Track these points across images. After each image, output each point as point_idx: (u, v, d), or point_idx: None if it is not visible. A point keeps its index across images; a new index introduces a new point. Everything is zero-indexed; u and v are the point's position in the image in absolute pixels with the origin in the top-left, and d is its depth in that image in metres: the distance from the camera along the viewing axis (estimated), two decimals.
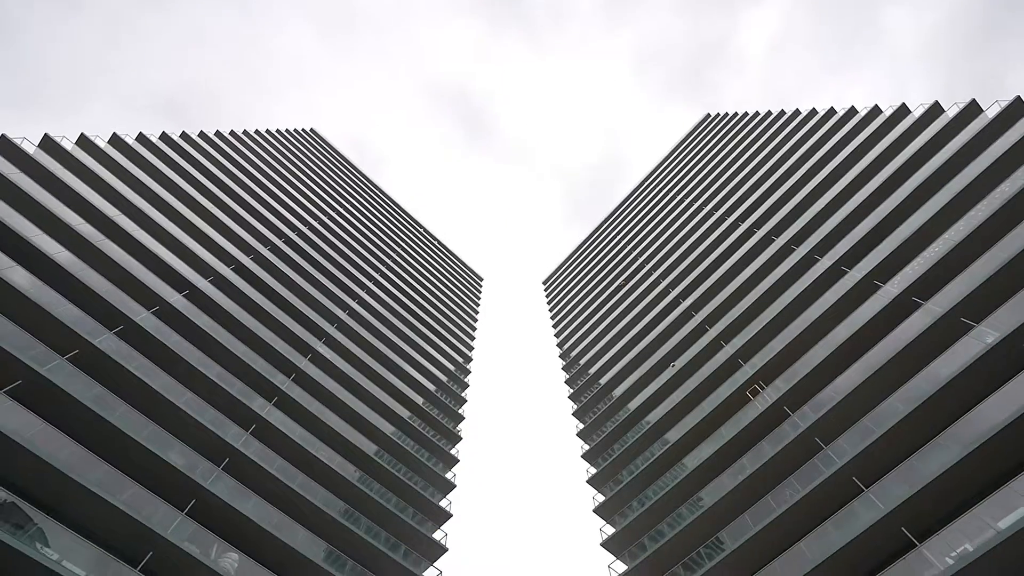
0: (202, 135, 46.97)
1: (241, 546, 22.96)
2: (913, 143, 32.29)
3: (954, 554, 17.43)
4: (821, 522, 21.89)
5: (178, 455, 23.09)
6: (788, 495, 23.60)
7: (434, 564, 31.06)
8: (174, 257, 31.92)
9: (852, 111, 40.54)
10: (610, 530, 32.27)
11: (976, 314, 21.86)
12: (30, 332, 21.94)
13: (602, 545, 31.81)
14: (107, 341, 23.70)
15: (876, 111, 38.03)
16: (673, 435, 32.25)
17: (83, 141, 34.07)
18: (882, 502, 19.92)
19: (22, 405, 19.52)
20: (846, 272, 29.83)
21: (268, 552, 23.33)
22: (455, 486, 36.98)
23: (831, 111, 43.00)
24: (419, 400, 40.57)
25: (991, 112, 29.12)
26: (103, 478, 19.68)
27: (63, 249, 25.35)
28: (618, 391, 40.32)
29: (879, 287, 27.21)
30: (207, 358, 28.26)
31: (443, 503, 35.11)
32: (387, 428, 35.61)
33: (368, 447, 32.95)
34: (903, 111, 35.58)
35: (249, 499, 24.10)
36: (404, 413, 38.11)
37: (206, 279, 32.90)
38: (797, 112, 48.14)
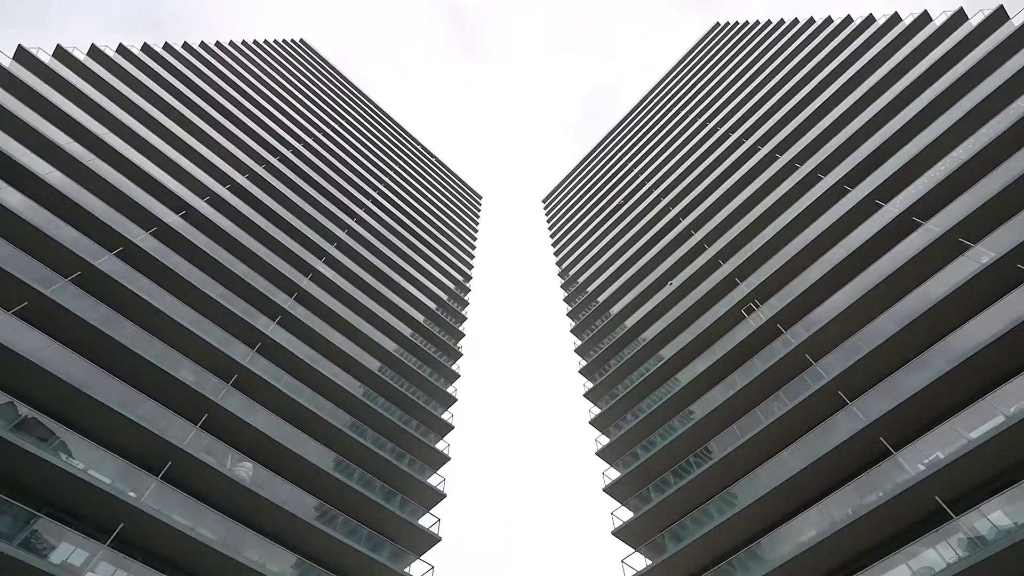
0: (186, 47, 44.71)
1: (254, 456, 24.25)
2: (930, 55, 30.84)
3: (926, 461, 18.50)
4: (805, 433, 22.97)
5: (188, 372, 23.87)
6: (775, 408, 24.66)
7: (437, 471, 32.93)
8: (168, 177, 31.36)
9: (870, 19, 38.40)
10: (605, 440, 33.94)
11: (975, 235, 21.84)
12: (29, 254, 21.99)
13: (597, 454, 33.59)
14: (108, 263, 23.81)
15: (895, 19, 36.05)
16: (668, 352, 33.16)
17: (60, 54, 32.46)
18: (864, 415, 20.85)
19: (31, 326, 19.92)
20: (848, 191, 29.48)
21: (280, 462, 24.68)
22: (456, 400, 38.49)
23: (847, 20, 40.72)
24: (419, 317, 41.33)
25: (1017, 20, 27.61)
26: (118, 395, 20.45)
27: (53, 169, 24.86)
28: (616, 308, 41.01)
29: (880, 206, 27.00)
30: (209, 278, 28.50)
31: (445, 416, 36.69)
32: (389, 345, 36.55)
33: (371, 363, 33.98)
34: (924, 19, 33.73)
35: (259, 413, 25.18)
36: (405, 330, 38.96)
37: (202, 199, 32.53)
38: (811, 21, 45.60)
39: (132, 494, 18.76)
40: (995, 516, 16.17)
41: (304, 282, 34.01)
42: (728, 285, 32.68)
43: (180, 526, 19.06)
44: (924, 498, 17.99)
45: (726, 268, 33.34)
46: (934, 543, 17.09)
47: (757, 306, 29.79)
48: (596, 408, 37.02)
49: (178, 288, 26.75)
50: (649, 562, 25.91)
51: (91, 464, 18.45)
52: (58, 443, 18.17)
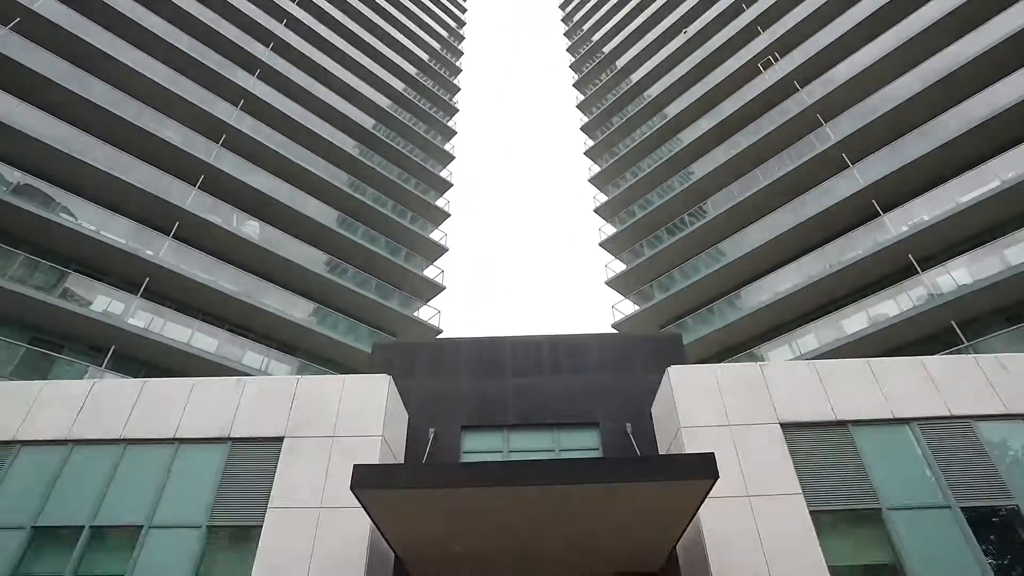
0: None
1: (259, 216, 24.86)
2: None
3: (911, 223, 19.11)
4: (802, 195, 23.21)
5: (173, 133, 23.04)
6: (776, 168, 24.51)
7: (438, 227, 34.22)
8: None
9: None
10: (604, 198, 34.49)
11: None
12: None
13: (595, 211, 34.55)
14: (48, 6, 21.08)
15: None
16: (673, 109, 31.64)
17: None
18: (863, 177, 20.84)
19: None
20: None
21: (285, 221, 25.40)
22: (454, 157, 38.06)
23: None
24: (412, 71, 38.42)
25: None
26: (106, 158, 20.05)
27: None
28: (622, 61, 37.89)
29: None
30: (172, 27, 25.62)
31: (443, 174, 36.66)
32: (381, 101, 34.68)
33: (365, 120, 32.68)
34: None
35: (257, 174, 25.08)
36: (397, 84, 36.56)
37: None
38: None
39: (149, 252, 19.82)
40: (958, 273, 17.35)
41: (279, 29, 30.67)
42: (748, 34, 29.56)
43: (202, 279, 20.60)
44: (897, 256, 19.05)
45: (749, 14, 29.81)
46: (895, 295, 18.69)
47: (776, 59, 27.39)
48: (596, 166, 36.81)
49: (142, 41, 24.15)
50: (637, 307, 28.68)
51: (102, 226, 19.07)
52: (60, 208, 18.49)
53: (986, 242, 17.21)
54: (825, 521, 7.55)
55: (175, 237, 21.00)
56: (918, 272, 18.28)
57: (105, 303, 18.41)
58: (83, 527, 7.80)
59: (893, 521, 7.45)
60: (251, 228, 24.09)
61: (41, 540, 7.88)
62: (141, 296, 19.20)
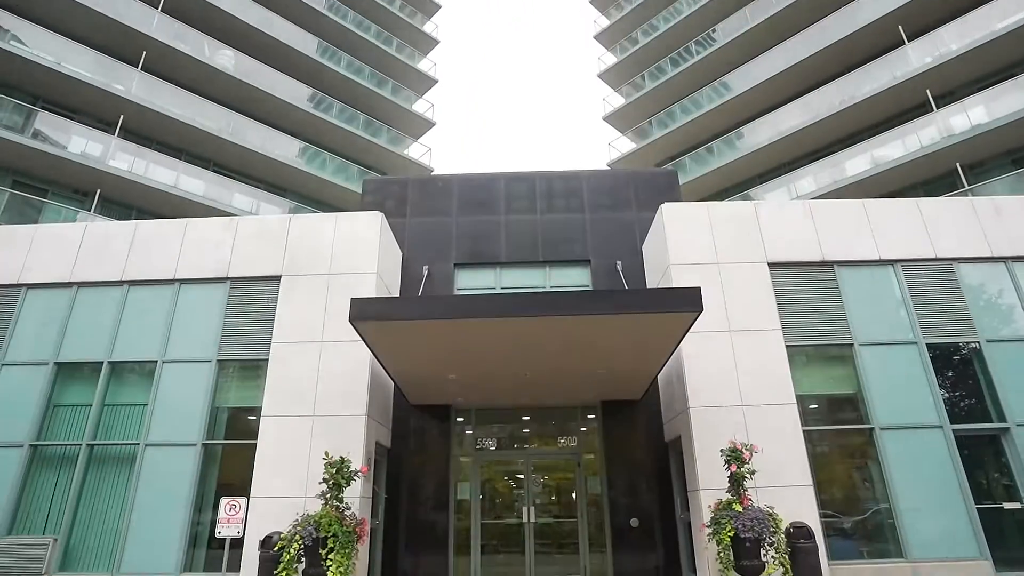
0: None
1: (232, 44, 22.80)
2: None
3: (936, 54, 17.77)
4: (821, 19, 21.24)
5: None
6: None
7: (427, 56, 31.71)
8: None
9: None
10: (604, 23, 31.66)
11: None
12: None
13: (595, 38, 31.97)
14: None
15: None
16: None
17: None
18: None
19: None
20: None
21: (260, 50, 23.36)
22: None
23: None
24: None
25: None
26: None
27: None
28: None
29: None
30: None
31: None
32: None
33: None
34: None
35: None
36: None
37: None
38: None
39: (119, 87, 18.53)
40: (975, 111, 16.56)
41: None
42: None
43: (179, 116, 19.54)
44: (914, 92, 18.02)
45: None
46: (903, 136, 18.04)
47: None
48: None
49: None
50: (634, 146, 27.80)
51: (62, 58, 17.53)
52: (10, 36, 16.82)
53: (1016, 75, 16.15)
54: (799, 355, 8.07)
55: (145, 70, 19.47)
56: (933, 110, 17.43)
57: (82, 144, 17.63)
58: (102, 362, 8.31)
59: (862, 356, 7.98)
60: (225, 58, 22.25)
61: (65, 375, 8.44)
62: (119, 136, 18.33)
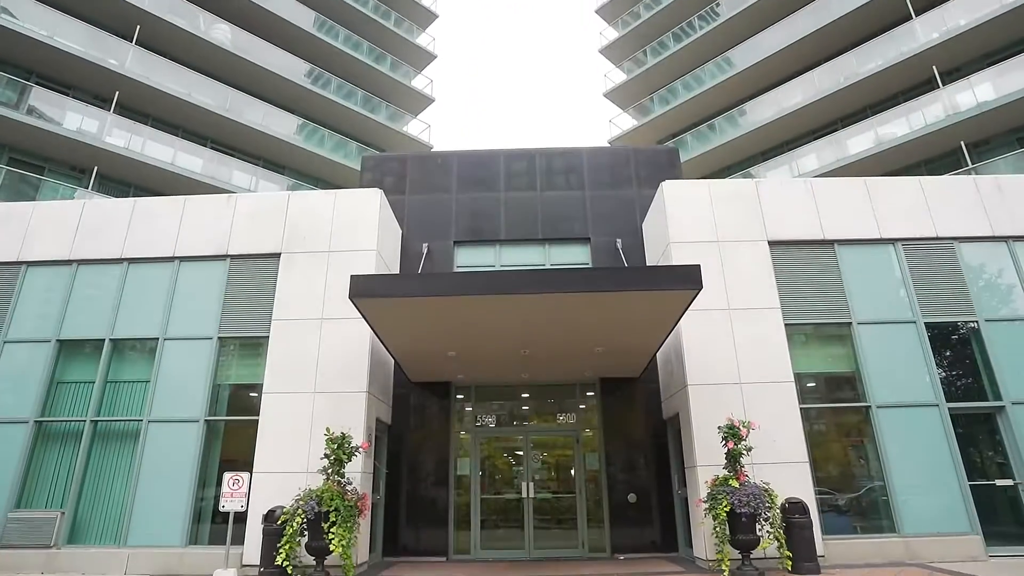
0: None
1: (227, 19, 22.42)
2: None
3: (944, 29, 17.48)
4: None
5: None
6: None
7: (426, 31, 31.20)
8: None
9: None
10: None
11: None
12: None
13: (596, 12, 31.38)
14: None
15: None
16: None
17: None
18: None
19: None
20: None
21: (256, 25, 22.94)
22: None
23: None
24: None
25: None
26: None
27: None
28: None
29: None
30: None
31: None
32: None
33: None
34: None
35: None
36: None
37: None
38: None
39: (113, 61, 18.27)
40: (981, 88, 16.35)
41: None
42: None
43: (175, 92, 19.30)
44: (921, 68, 17.77)
45: None
46: (907, 113, 17.84)
47: None
48: None
49: None
50: (635, 123, 27.50)
51: (53, 31, 17.24)
52: None
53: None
54: (798, 334, 8.11)
55: (139, 44, 19.17)
56: (939, 87, 17.21)
57: (78, 120, 17.43)
58: (104, 340, 8.34)
59: (860, 335, 8.01)
60: (221, 32, 21.88)
61: (68, 352, 8.48)
62: (115, 112, 18.13)
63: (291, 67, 23.26)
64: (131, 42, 18.96)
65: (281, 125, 22.33)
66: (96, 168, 17.41)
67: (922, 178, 8.95)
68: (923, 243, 8.43)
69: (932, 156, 17.42)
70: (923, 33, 17.83)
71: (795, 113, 20.53)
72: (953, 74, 17.42)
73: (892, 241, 8.45)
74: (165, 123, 19.86)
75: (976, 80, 16.44)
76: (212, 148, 20.60)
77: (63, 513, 7.49)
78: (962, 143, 16.51)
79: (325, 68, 24.71)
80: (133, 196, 17.74)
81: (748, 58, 22.65)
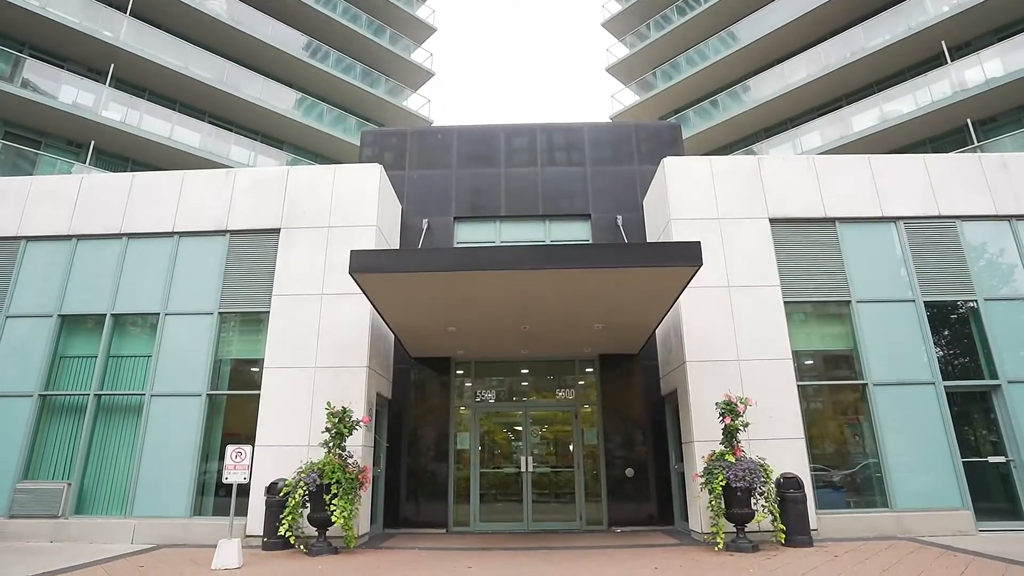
0: None
1: None
2: None
3: (955, 1, 17.12)
4: None
5: None
6: None
7: (425, 3, 30.62)
8: None
9: None
10: None
11: None
12: None
13: None
14: None
15: None
16: None
17: None
18: None
19: None
20: None
21: None
22: None
23: None
24: None
25: None
26: None
27: None
28: None
29: None
30: None
31: None
32: None
33: None
34: None
35: None
36: None
37: None
38: None
39: (108, 33, 17.97)
40: (990, 64, 16.08)
41: None
42: None
43: (171, 64, 19.03)
44: (929, 43, 17.46)
45: None
46: (913, 90, 17.58)
47: None
48: None
49: None
50: (637, 98, 27.15)
51: (46, 1, 16.91)
52: None
53: None
54: (797, 312, 8.12)
55: (133, 15, 18.84)
56: (947, 62, 16.94)
57: (73, 94, 17.22)
58: (105, 315, 8.37)
59: (859, 313, 8.02)
60: (217, 4, 21.47)
61: (70, 326, 8.51)
62: (111, 86, 17.89)
63: (289, 40, 22.88)
64: (125, 13, 18.63)
65: (279, 99, 22.06)
66: (93, 142, 17.26)
67: (926, 156, 8.87)
68: (925, 221, 8.39)
69: (937, 134, 17.23)
70: (933, 6, 17.49)
71: (799, 89, 20.26)
72: (962, 49, 17.14)
73: (894, 219, 8.41)
74: (162, 97, 19.63)
75: (985, 56, 16.17)
76: (210, 122, 20.39)
77: (70, 484, 7.61)
78: (969, 121, 16.31)
79: (323, 41, 24.31)
80: (130, 171, 17.63)
81: (753, 32, 22.25)
